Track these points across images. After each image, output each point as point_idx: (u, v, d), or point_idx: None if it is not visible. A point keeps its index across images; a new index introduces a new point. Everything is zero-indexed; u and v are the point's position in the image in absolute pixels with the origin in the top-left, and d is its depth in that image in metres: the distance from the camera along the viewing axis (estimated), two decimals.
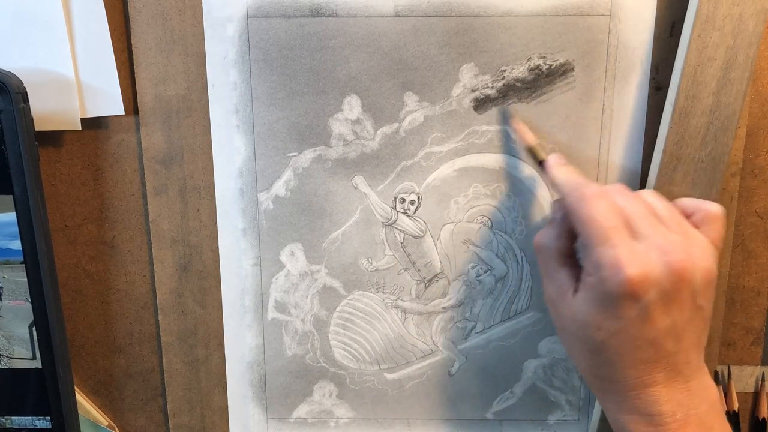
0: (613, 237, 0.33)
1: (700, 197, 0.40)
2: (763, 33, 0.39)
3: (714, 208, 0.36)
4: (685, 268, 0.33)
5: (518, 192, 0.45)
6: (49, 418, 0.44)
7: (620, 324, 0.33)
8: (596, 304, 0.33)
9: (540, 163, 0.41)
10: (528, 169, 0.44)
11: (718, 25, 0.38)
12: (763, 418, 0.47)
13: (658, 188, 0.41)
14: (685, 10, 0.40)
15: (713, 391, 0.35)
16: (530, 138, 0.42)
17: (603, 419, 0.47)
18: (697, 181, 0.41)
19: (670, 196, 0.39)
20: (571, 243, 0.37)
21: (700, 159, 0.40)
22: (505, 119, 0.43)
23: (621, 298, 0.32)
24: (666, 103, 0.41)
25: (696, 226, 0.36)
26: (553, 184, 0.39)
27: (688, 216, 0.37)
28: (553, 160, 0.39)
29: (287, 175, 0.44)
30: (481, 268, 0.46)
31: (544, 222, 0.45)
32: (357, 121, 0.43)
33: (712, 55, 0.39)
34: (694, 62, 0.39)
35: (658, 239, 0.33)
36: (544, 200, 0.44)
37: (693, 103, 0.40)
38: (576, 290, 0.35)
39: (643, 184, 0.43)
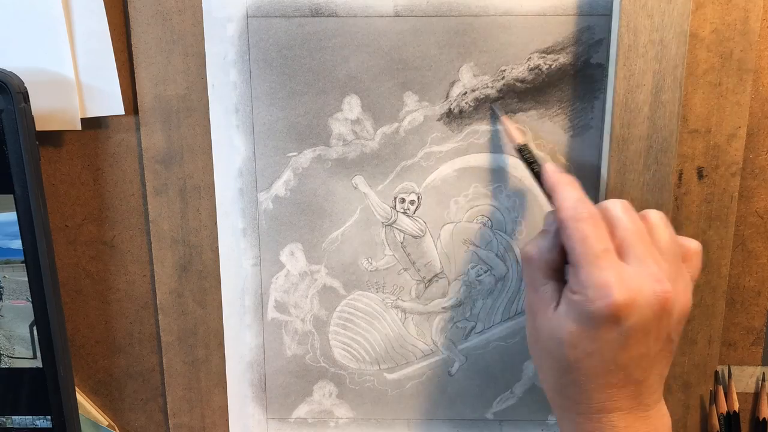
0: (603, 259, 0.33)
1: None
2: (686, 54, 0.39)
3: (694, 245, 0.36)
4: (669, 299, 0.33)
5: (518, 192, 0.45)
6: (49, 417, 0.44)
7: (597, 345, 0.33)
8: (577, 323, 0.33)
9: (530, 165, 0.41)
10: (527, 169, 0.44)
11: (641, 52, 0.39)
12: (764, 419, 0.47)
13: None
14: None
15: (667, 421, 0.36)
16: (519, 137, 0.42)
17: None
18: (644, 204, 0.41)
19: None
20: (562, 258, 0.36)
21: (645, 182, 0.41)
22: (494, 117, 0.43)
23: (604, 320, 0.32)
24: (603, 133, 0.42)
25: None
26: (547, 193, 0.38)
27: None
28: (550, 169, 0.38)
29: (287, 175, 0.44)
30: (481, 268, 0.46)
31: (541, 219, 0.45)
32: (357, 121, 0.43)
33: (640, 81, 0.40)
34: (624, 90, 0.40)
35: (650, 266, 0.33)
36: (543, 200, 0.44)
37: (629, 130, 0.41)
38: (557, 305, 0.35)
39: None
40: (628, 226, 0.34)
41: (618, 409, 0.34)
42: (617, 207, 0.35)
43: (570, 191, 0.36)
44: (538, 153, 0.42)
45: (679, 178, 0.43)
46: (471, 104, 0.43)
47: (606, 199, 0.39)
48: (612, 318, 0.32)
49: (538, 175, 0.40)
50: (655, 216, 0.36)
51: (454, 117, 0.43)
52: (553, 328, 0.34)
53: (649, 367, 0.34)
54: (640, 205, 0.40)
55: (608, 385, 0.34)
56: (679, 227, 0.43)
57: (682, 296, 0.34)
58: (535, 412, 0.48)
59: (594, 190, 0.44)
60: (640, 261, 0.33)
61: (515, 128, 0.42)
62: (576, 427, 0.35)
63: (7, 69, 0.40)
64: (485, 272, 0.46)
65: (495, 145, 0.44)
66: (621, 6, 0.39)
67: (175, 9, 0.42)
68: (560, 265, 0.36)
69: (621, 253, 0.34)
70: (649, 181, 0.41)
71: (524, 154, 0.41)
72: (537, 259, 0.37)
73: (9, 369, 0.44)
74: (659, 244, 0.35)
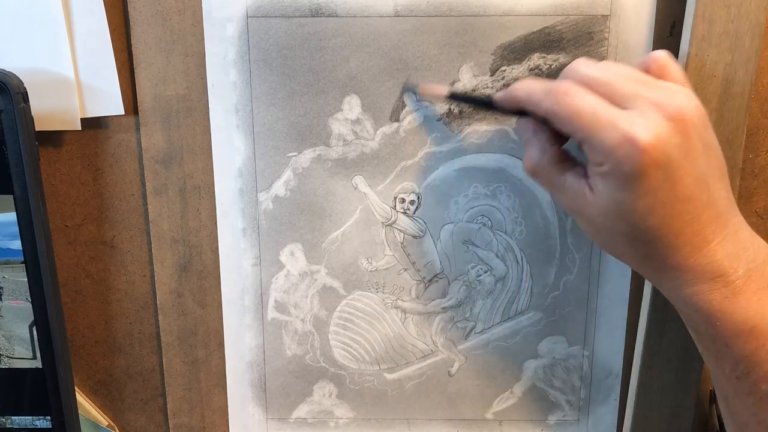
0: (605, 116, 0.32)
1: None
2: (760, 47, 0.39)
3: (658, 54, 0.35)
4: (683, 113, 0.31)
5: (518, 192, 0.45)
6: (49, 417, 0.44)
7: (652, 196, 0.32)
8: (622, 189, 0.32)
9: (474, 103, 0.39)
10: None
11: (714, 43, 0.39)
12: None
13: None
14: (684, 10, 0.40)
15: (760, 239, 0.34)
16: (442, 89, 0.41)
17: (636, 418, 0.47)
18: None
19: None
20: (558, 148, 0.36)
21: None
22: (410, 92, 0.43)
23: (644, 170, 0.31)
24: None
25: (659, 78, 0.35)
26: (511, 105, 0.37)
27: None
28: (500, 94, 0.37)
29: (287, 175, 0.44)
30: (481, 268, 0.46)
31: (541, 219, 0.45)
32: (357, 121, 0.43)
33: (712, 72, 0.39)
34: (694, 81, 0.39)
35: (646, 98, 0.32)
36: (544, 200, 0.44)
37: None
38: (590, 187, 0.34)
39: None
40: (601, 75, 0.33)
41: (707, 242, 0.32)
42: (580, 65, 0.34)
43: (531, 84, 0.35)
44: (471, 93, 0.41)
45: None
46: (471, 104, 0.43)
47: None
48: (650, 164, 0.31)
49: (488, 105, 0.39)
50: (608, 62, 0.35)
51: (454, 117, 0.43)
52: (603, 208, 0.33)
53: (708, 185, 0.32)
54: None
55: (684, 223, 0.32)
56: None
57: (690, 102, 0.32)
58: (535, 412, 0.48)
59: None
60: (635, 99, 0.32)
61: (434, 86, 0.42)
62: (679, 283, 0.33)
63: (7, 69, 0.39)
64: (485, 272, 0.46)
65: (495, 145, 0.44)
66: None
67: (175, 9, 0.42)
68: (562, 155, 0.36)
69: (613, 103, 0.32)
70: None
71: (459, 97, 0.40)
72: (541, 164, 0.36)
73: (9, 369, 0.44)
74: (634, 78, 0.33)
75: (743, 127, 0.40)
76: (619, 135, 0.31)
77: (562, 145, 0.36)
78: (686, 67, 0.39)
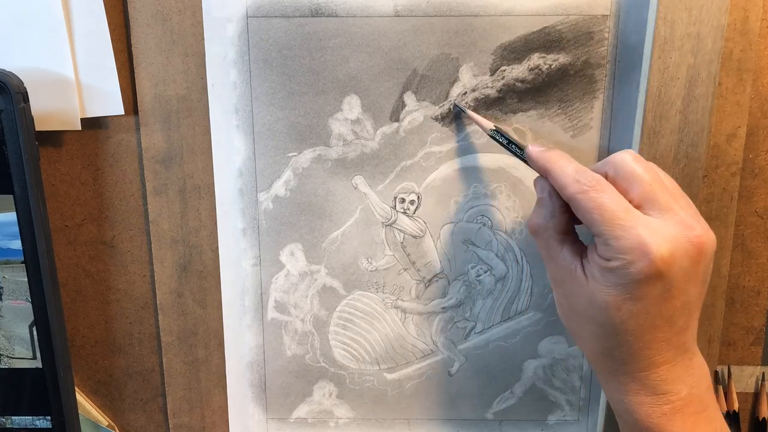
0: (628, 219, 0.32)
1: None
2: (721, 48, 0.39)
3: (624, 160, 0.34)
4: (703, 242, 0.32)
5: (518, 192, 0.45)
6: (49, 417, 0.44)
7: (642, 304, 0.32)
8: (618, 287, 0.33)
9: (509, 147, 0.40)
10: (528, 169, 0.44)
11: (677, 45, 0.39)
12: (764, 418, 0.47)
13: None
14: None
15: (706, 369, 0.35)
16: (488, 123, 0.41)
17: (609, 421, 0.47)
18: None
19: None
20: (566, 218, 0.36)
21: (675, 176, 0.41)
22: (459, 114, 0.43)
23: (647, 279, 0.32)
24: (635, 124, 0.42)
25: None
26: (539, 169, 0.37)
27: None
28: (535, 151, 0.37)
29: (287, 175, 0.44)
30: (481, 268, 0.46)
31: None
32: (357, 121, 0.43)
33: (674, 74, 0.40)
34: (657, 83, 0.40)
35: (676, 213, 0.33)
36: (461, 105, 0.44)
37: (660, 123, 0.41)
38: (585, 271, 0.34)
39: None
40: (645, 177, 0.33)
41: (665, 362, 0.33)
42: (628, 160, 0.34)
43: (565, 165, 0.35)
44: (512, 135, 0.42)
45: None
46: (471, 104, 0.43)
47: None
48: (655, 275, 0.32)
49: (519, 155, 0.39)
50: (650, 164, 0.35)
51: (455, 117, 0.43)
52: (590, 295, 0.34)
53: (690, 313, 0.34)
54: None
55: (656, 339, 0.33)
56: None
57: (710, 234, 0.33)
58: (535, 412, 0.48)
59: None
60: (664, 210, 0.33)
61: (482, 117, 0.42)
62: (624, 387, 0.34)
63: (7, 69, 0.39)
64: (485, 272, 0.46)
65: (495, 145, 0.44)
66: None
67: (175, 9, 0.41)
68: (568, 226, 0.36)
69: (643, 206, 0.33)
70: (679, 175, 0.42)
71: (499, 137, 0.40)
72: (544, 227, 0.36)
73: (9, 369, 0.44)
74: (670, 187, 0.34)
75: (707, 128, 0.41)
76: (635, 239, 0.32)
77: (569, 216, 0.36)
78: (650, 70, 0.40)
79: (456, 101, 0.43)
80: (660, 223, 0.32)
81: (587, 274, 0.34)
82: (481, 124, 0.42)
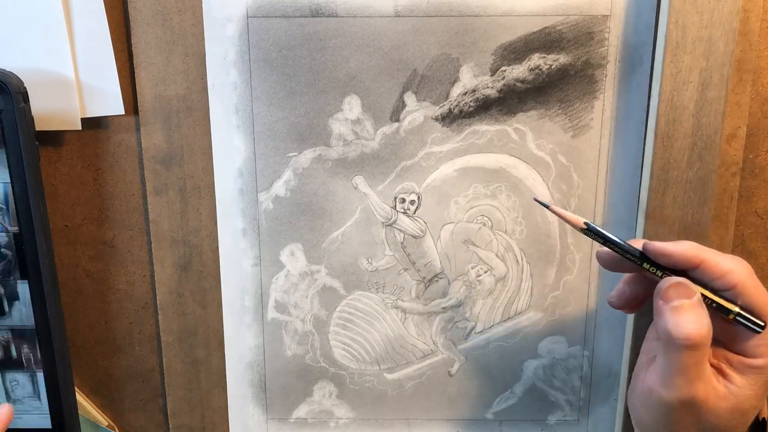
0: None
1: (692, 217, 0.42)
2: (733, 51, 0.39)
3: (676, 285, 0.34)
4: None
5: (518, 192, 0.45)
6: (49, 417, 0.44)
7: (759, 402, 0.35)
8: (753, 386, 0.34)
9: (602, 240, 0.36)
10: (527, 169, 0.44)
11: (689, 49, 0.39)
12: (764, 419, 0.47)
13: (651, 212, 0.42)
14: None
15: None
16: (578, 219, 0.37)
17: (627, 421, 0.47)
18: (687, 201, 0.42)
19: (664, 219, 0.40)
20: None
21: (688, 180, 0.41)
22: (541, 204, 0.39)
23: None
24: (647, 129, 0.42)
25: None
26: (686, 266, 0.35)
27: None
28: (670, 281, 0.34)
29: (287, 175, 0.44)
30: (481, 268, 0.46)
31: (541, 219, 0.45)
32: (357, 121, 0.43)
33: (687, 78, 0.40)
34: (670, 87, 0.40)
35: (754, 389, 0.35)
36: (543, 200, 0.44)
37: (674, 127, 0.41)
38: (724, 375, 0.35)
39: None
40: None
41: None
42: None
43: (697, 317, 0.32)
44: (600, 229, 0.37)
45: None
46: (471, 104, 0.43)
47: (645, 200, 0.40)
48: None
49: (611, 247, 0.36)
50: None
51: (455, 117, 0.43)
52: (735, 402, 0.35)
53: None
54: (682, 203, 0.41)
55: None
56: None
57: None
58: (535, 412, 0.48)
59: (595, 189, 0.44)
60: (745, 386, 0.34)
61: (570, 214, 0.37)
62: None
63: (7, 69, 0.39)
64: (485, 272, 0.46)
65: (495, 145, 0.44)
66: (670, 2, 0.39)
67: (175, 9, 0.41)
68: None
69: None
70: (692, 178, 0.42)
71: (590, 233, 0.37)
72: (709, 338, 0.34)
73: None
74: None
75: (720, 131, 0.41)
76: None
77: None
78: (662, 74, 0.40)
79: (536, 198, 0.39)
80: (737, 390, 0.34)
81: (728, 379, 0.34)
82: (570, 220, 0.37)
